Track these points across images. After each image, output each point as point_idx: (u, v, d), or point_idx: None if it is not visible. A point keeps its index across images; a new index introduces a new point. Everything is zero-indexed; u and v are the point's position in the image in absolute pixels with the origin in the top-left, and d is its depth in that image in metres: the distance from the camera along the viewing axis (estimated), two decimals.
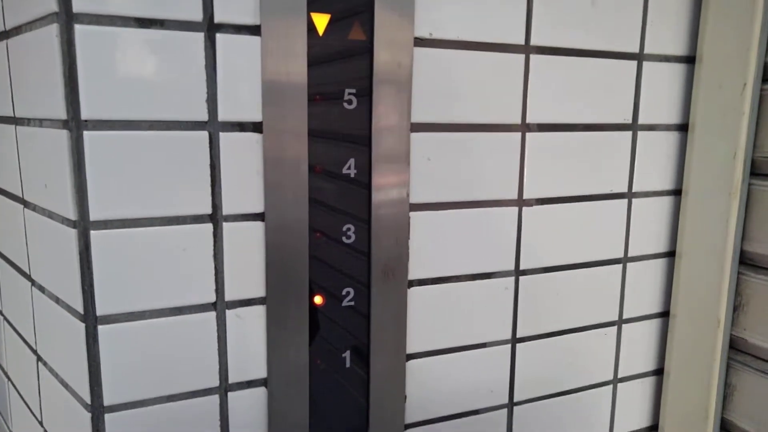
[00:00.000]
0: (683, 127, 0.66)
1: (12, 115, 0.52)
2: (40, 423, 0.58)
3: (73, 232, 0.43)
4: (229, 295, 0.48)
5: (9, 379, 0.68)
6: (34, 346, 0.56)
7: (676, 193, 0.67)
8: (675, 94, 0.65)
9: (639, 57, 0.62)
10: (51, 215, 0.47)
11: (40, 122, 0.46)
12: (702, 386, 0.65)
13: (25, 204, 0.53)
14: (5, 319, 0.66)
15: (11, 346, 0.65)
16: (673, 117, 0.66)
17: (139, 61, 0.43)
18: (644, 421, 0.72)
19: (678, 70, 0.65)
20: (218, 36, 0.45)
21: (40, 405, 0.57)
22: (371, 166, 0.52)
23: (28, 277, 0.55)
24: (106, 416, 0.46)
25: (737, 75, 0.59)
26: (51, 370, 0.53)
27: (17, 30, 0.48)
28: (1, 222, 0.62)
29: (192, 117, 0.45)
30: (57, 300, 0.49)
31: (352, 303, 0.54)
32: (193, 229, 0.46)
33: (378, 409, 0.56)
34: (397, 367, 0.56)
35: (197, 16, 0.44)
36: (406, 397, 0.57)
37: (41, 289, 0.52)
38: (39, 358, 0.55)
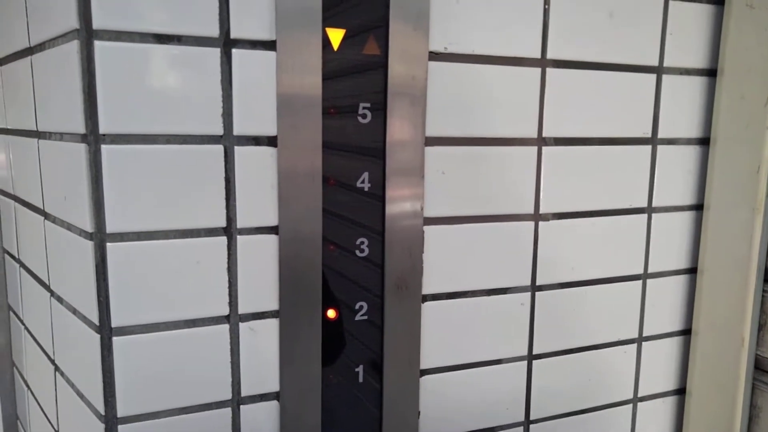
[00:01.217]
0: (705, 141, 0.65)
1: (35, 129, 0.53)
2: None
3: (89, 244, 0.44)
4: (243, 308, 0.49)
5: (29, 387, 0.69)
6: (52, 356, 0.57)
7: (698, 208, 0.66)
8: (696, 108, 0.64)
9: (658, 70, 0.61)
10: (69, 227, 0.48)
11: (61, 136, 0.47)
12: (726, 407, 0.63)
13: (46, 216, 0.54)
14: (26, 328, 0.67)
15: (31, 356, 0.66)
16: (694, 131, 0.64)
17: (156, 76, 0.43)
18: None
19: (699, 83, 0.64)
20: (234, 51, 0.45)
21: (57, 414, 0.58)
22: (385, 179, 0.52)
23: (47, 287, 0.56)
24: (120, 427, 0.46)
25: (760, 87, 0.57)
26: (68, 380, 0.53)
27: (41, 46, 0.49)
28: (24, 233, 0.63)
29: (208, 131, 0.45)
30: (74, 311, 0.49)
31: (366, 317, 0.53)
32: (207, 242, 0.47)
33: (391, 425, 0.55)
34: (411, 383, 0.55)
35: (214, 31, 0.44)
36: (419, 413, 0.56)
37: (59, 299, 0.53)
38: (57, 368, 0.56)
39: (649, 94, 0.62)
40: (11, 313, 0.73)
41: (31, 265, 0.61)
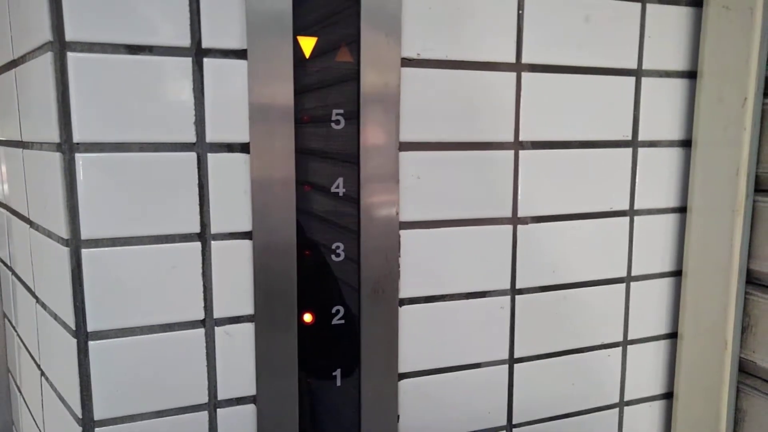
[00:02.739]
0: (686, 143, 0.65)
1: (20, 139, 0.55)
2: None
3: (65, 250, 0.45)
4: (218, 313, 0.49)
5: (21, 393, 0.70)
6: (38, 361, 0.58)
7: (681, 210, 0.66)
8: (676, 110, 0.64)
9: (637, 73, 0.61)
10: (49, 234, 0.49)
11: (41, 145, 0.49)
12: (712, 411, 0.62)
13: (31, 224, 0.55)
14: (18, 335, 0.69)
15: (22, 362, 0.67)
16: (676, 133, 0.64)
17: (129, 86, 0.44)
18: None
19: (679, 85, 0.64)
20: (206, 60, 0.46)
21: (43, 418, 0.59)
22: (360, 185, 0.52)
23: (33, 294, 0.57)
24: (97, 430, 0.47)
25: (738, 89, 0.57)
26: (51, 385, 0.54)
27: (23, 59, 0.51)
28: (14, 241, 0.65)
29: (180, 139, 0.46)
30: (55, 316, 0.50)
31: (343, 321, 0.54)
32: (182, 247, 0.48)
33: (370, 429, 0.55)
34: (389, 387, 0.56)
35: (185, 42, 0.45)
36: (398, 417, 0.57)
37: (43, 306, 0.54)
38: (42, 373, 0.57)
39: (628, 97, 0.62)
40: (5, 321, 0.75)
41: (20, 272, 0.63)
